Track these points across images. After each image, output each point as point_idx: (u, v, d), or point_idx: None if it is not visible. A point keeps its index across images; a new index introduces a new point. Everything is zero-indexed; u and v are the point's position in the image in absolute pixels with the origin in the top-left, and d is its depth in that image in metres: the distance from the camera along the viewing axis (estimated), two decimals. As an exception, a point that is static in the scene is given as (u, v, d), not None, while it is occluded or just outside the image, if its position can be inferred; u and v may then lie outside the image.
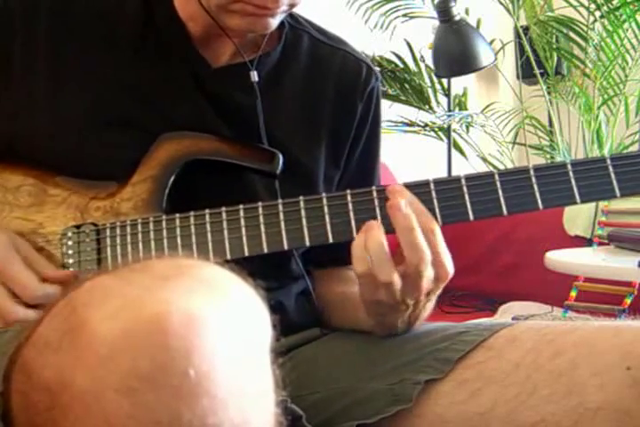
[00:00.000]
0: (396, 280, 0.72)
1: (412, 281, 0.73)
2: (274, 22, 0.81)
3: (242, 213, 0.77)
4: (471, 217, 0.74)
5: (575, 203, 0.73)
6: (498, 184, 0.74)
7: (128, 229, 0.80)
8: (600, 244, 2.33)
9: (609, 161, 0.73)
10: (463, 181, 0.75)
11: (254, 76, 0.87)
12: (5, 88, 0.84)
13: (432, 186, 0.75)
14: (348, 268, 0.91)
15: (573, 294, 2.27)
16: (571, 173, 0.73)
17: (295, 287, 0.91)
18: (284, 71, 0.92)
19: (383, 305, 0.75)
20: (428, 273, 0.73)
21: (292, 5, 0.81)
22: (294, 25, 0.94)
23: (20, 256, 0.77)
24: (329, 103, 0.94)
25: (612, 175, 0.73)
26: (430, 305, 0.79)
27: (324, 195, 0.77)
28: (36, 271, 0.77)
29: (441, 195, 0.75)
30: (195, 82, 0.87)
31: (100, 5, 0.87)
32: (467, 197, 0.74)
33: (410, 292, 0.74)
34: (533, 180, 0.74)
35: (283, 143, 0.88)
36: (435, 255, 0.73)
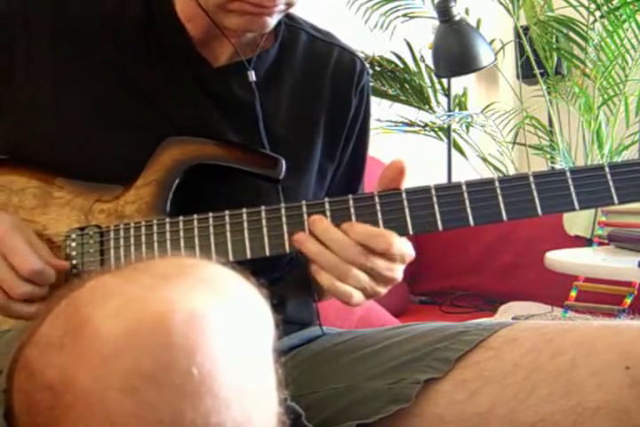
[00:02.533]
0: None
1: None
2: (271, 22, 0.82)
3: (245, 217, 0.78)
4: (472, 223, 0.75)
5: (574, 209, 0.75)
6: (498, 191, 0.75)
7: (132, 231, 0.80)
8: (600, 244, 2.33)
9: (607, 169, 0.74)
10: (464, 188, 0.76)
11: (252, 75, 0.88)
12: (8, 91, 0.85)
13: (433, 192, 0.76)
14: None
15: (573, 294, 2.28)
16: (570, 181, 0.75)
17: (295, 281, 0.92)
18: (283, 67, 0.93)
19: None
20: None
21: (289, 4, 0.82)
22: (289, 23, 0.95)
23: (24, 235, 0.77)
24: (326, 97, 0.95)
25: (611, 183, 0.74)
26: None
27: (326, 199, 0.77)
28: (37, 252, 0.77)
29: (442, 200, 0.76)
30: (196, 82, 0.88)
31: (102, 8, 0.88)
32: (467, 203, 0.75)
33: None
34: (533, 186, 0.75)
35: (282, 138, 0.90)
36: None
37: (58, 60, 0.85)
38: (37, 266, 0.75)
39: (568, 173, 0.75)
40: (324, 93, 0.95)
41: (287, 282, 0.91)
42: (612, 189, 0.74)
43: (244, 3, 0.78)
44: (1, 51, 0.85)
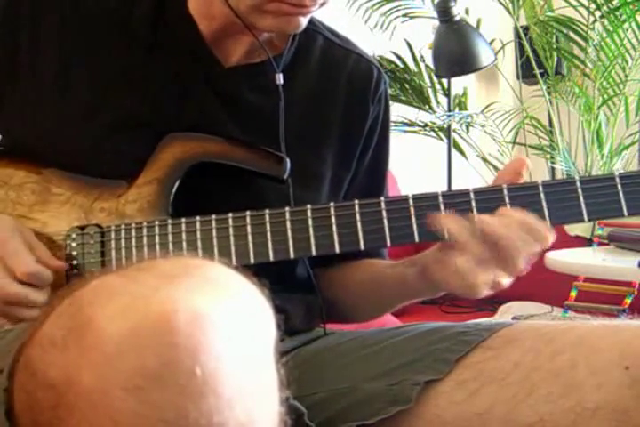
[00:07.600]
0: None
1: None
2: (304, 22, 0.81)
3: (249, 220, 0.77)
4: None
5: (582, 221, 0.73)
6: (506, 199, 0.74)
7: (133, 232, 0.79)
8: (600, 244, 2.33)
9: (618, 179, 0.73)
10: (472, 195, 0.74)
11: (279, 78, 0.86)
12: (12, 89, 0.84)
13: (440, 199, 0.75)
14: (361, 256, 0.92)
15: (573, 294, 2.28)
16: (579, 191, 0.73)
17: (298, 294, 0.90)
18: (297, 72, 0.91)
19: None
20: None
21: (322, 4, 0.81)
22: (308, 26, 0.93)
23: (23, 238, 0.77)
24: (340, 105, 0.93)
25: (621, 194, 0.72)
26: None
27: (331, 204, 0.76)
28: (34, 253, 0.76)
29: (449, 208, 0.74)
30: (206, 81, 0.86)
31: (111, 3, 0.87)
32: (475, 211, 0.74)
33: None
34: (542, 196, 0.73)
35: (291, 144, 0.87)
36: None
37: (63, 58, 0.84)
38: (32, 268, 0.74)
39: (578, 183, 0.73)
40: (338, 101, 0.93)
41: (291, 298, 0.89)
42: (622, 201, 0.72)
43: (282, 3, 0.77)
44: (6, 49, 0.84)
